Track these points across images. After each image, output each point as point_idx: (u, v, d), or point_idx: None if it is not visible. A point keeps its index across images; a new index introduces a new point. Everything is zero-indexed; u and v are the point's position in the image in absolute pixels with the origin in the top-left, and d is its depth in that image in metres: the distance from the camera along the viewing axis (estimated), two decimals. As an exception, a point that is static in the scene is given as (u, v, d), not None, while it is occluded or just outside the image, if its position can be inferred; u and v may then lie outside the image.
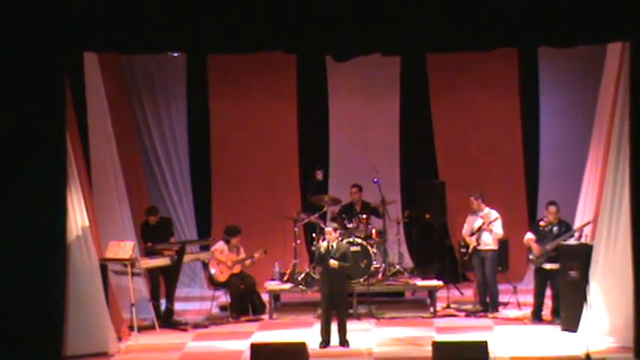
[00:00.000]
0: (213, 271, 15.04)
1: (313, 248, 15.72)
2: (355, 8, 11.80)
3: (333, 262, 12.90)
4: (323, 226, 15.38)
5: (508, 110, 17.53)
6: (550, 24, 11.84)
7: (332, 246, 13.06)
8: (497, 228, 14.67)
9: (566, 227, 14.08)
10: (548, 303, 14.35)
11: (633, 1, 11.72)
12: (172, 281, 14.66)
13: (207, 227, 17.63)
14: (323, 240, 13.22)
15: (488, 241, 14.68)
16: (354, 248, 15.00)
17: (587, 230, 13.67)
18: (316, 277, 15.09)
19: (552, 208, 14.16)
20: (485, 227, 14.64)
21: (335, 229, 13.25)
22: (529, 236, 14.29)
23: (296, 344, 11.74)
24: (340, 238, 14.85)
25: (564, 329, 13.46)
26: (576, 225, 14.12)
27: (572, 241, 13.83)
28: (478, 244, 14.71)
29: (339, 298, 13.07)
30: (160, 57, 16.57)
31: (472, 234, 14.76)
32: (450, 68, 17.10)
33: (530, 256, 14.26)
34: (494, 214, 14.75)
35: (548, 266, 14.03)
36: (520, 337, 13.34)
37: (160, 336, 13.95)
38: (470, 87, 17.48)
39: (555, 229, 14.08)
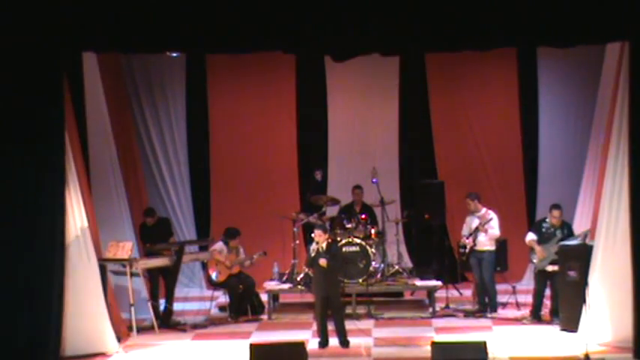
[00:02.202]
0: (214, 274, 14.99)
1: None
2: (354, 8, 11.80)
3: (322, 262, 12.88)
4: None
5: (507, 110, 17.53)
6: (549, 24, 11.84)
7: (322, 247, 13.04)
8: (494, 229, 14.65)
9: (568, 230, 14.05)
10: (547, 303, 14.35)
11: (632, 1, 11.72)
12: (171, 281, 14.66)
13: (207, 227, 17.63)
14: (314, 242, 13.20)
15: (485, 242, 14.67)
16: (352, 248, 15.01)
17: (587, 239, 13.67)
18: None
19: (556, 213, 14.09)
20: (480, 228, 14.63)
21: (324, 231, 13.23)
22: (531, 237, 14.23)
23: (295, 344, 11.74)
24: (339, 239, 14.88)
25: (563, 329, 13.46)
26: (577, 230, 14.11)
27: (572, 242, 13.82)
28: (474, 245, 14.70)
29: (334, 300, 13.04)
30: (159, 57, 16.59)
31: (469, 235, 14.76)
32: (449, 68, 17.12)
33: (534, 260, 14.19)
34: (490, 214, 14.74)
35: (550, 268, 14.01)
36: (519, 338, 13.33)
37: (159, 336, 13.95)
38: (469, 87, 17.49)
39: (558, 232, 14.04)
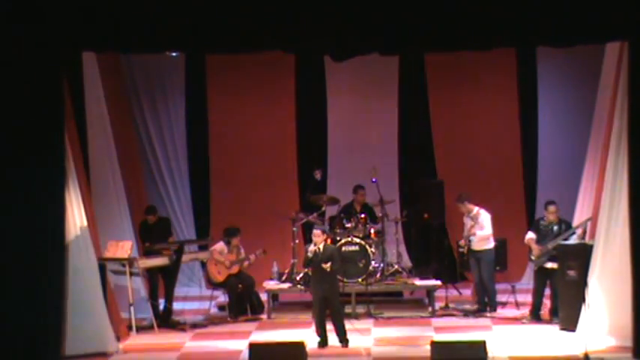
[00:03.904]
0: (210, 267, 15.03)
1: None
2: (354, 8, 11.80)
3: (325, 266, 12.86)
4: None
5: (506, 109, 17.53)
6: (549, 24, 11.84)
7: (319, 248, 13.01)
8: (484, 229, 14.64)
9: (566, 226, 14.09)
10: (546, 302, 14.36)
11: (631, 1, 11.72)
12: (171, 281, 14.66)
13: (206, 227, 17.63)
14: (312, 243, 13.16)
15: (478, 242, 14.67)
16: (352, 248, 15.01)
17: (588, 227, 13.68)
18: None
19: (552, 208, 14.16)
20: (471, 231, 14.65)
21: (323, 232, 13.21)
22: (530, 236, 14.26)
23: (294, 344, 11.75)
24: (338, 238, 14.88)
25: (563, 329, 13.47)
26: (575, 223, 14.15)
27: (572, 241, 13.84)
28: (470, 246, 14.71)
29: (332, 300, 13.02)
30: (159, 57, 16.58)
31: (465, 237, 14.78)
32: (449, 68, 17.11)
33: (532, 257, 14.23)
34: (482, 214, 14.73)
35: (549, 265, 14.02)
36: (518, 337, 13.34)
37: (159, 336, 13.96)
38: (468, 86, 17.48)
39: (556, 228, 14.08)
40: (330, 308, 13.04)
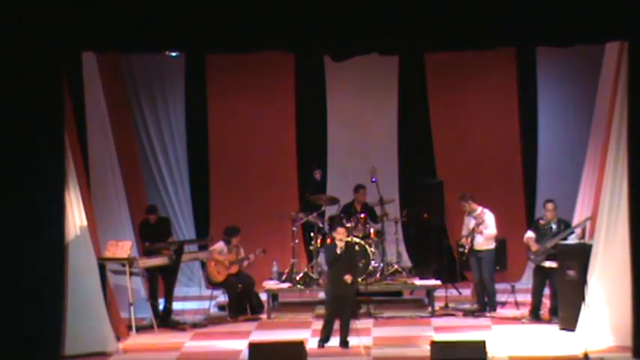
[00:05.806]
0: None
1: (311, 247, 15.72)
2: (353, 8, 11.80)
3: (348, 278, 12.83)
4: (321, 225, 15.41)
5: (506, 109, 17.53)
6: (548, 24, 11.85)
7: (342, 247, 12.98)
8: (490, 228, 14.65)
9: (565, 225, 14.10)
10: (546, 302, 14.36)
11: (631, 1, 11.73)
12: (171, 281, 14.66)
13: (206, 227, 17.63)
14: (330, 240, 13.09)
15: (483, 242, 14.68)
16: (352, 248, 15.02)
17: (587, 227, 13.68)
18: (314, 276, 15.11)
19: (550, 206, 14.19)
20: (476, 229, 14.65)
21: (346, 229, 13.20)
22: (529, 235, 14.29)
23: (294, 343, 11.74)
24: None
25: (562, 328, 13.47)
26: (575, 222, 14.15)
27: (571, 241, 13.85)
28: (472, 246, 14.71)
29: (346, 300, 13.02)
30: (158, 57, 16.57)
31: (467, 235, 14.78)
32: (448, 67, 17.11)
33: (531, 256, 14.25)
34: (486, 213, 14.74)
35: (547, 264, 14.03)
36: (518, 337, 13.34)
37: (159, 335, 13.96)
38: (468, 86, 17.49)
39: (554, 226, 14.10)
40: (343, 307, 13.01)
